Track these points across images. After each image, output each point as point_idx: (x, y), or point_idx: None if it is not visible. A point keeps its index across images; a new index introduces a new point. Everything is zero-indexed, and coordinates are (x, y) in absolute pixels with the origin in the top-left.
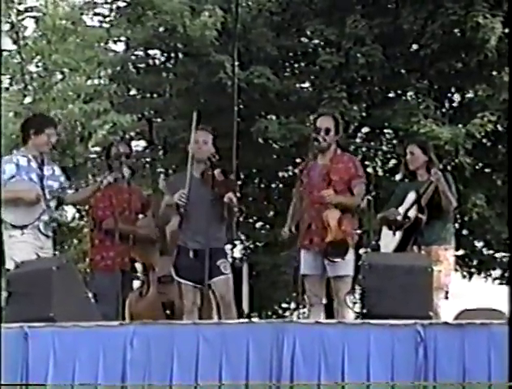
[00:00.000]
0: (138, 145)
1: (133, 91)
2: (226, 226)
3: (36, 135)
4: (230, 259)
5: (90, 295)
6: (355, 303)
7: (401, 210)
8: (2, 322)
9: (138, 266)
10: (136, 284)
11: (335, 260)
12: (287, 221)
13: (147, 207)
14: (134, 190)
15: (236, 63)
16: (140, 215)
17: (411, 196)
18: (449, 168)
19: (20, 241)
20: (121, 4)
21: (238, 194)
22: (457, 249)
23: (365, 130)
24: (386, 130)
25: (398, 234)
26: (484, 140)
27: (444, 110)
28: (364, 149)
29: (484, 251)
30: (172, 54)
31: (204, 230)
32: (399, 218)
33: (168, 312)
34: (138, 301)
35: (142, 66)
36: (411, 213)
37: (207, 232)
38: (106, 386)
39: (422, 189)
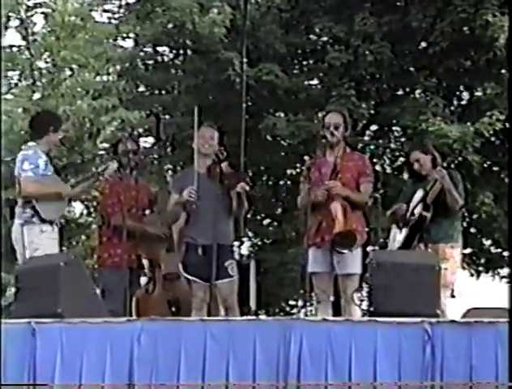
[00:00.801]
0: (147, 141)
1: (141, 88)
2: (235, 220)
3: (54, 133)
4: (237, 256)
5: (98, 291)
6: (362, 301)
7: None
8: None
9: (145, 262)
10: (143, 280)
11: (343, 251)
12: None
13: (154, 204)
14: (141, 187)
15: (245, 60)
16: (147, 211)
17: (419, 194)
18: (453, 166)
19: (50, 237)
20: (130, 1)
21: (250, 184)
22: (464, 247)
23: (374, 127)
24: (394, 128)
25: (404, 231)
26: (493, 139)
27: (452, 108)
28: (372, 147)
29: (492, 250)
30: (181, 51)
31: (212, 224)
32: (407, 214)
33: (173, 309)
34: (145, 298)
35: (151, 62)
36: (417, 210)
37: (215, 227)
38: (113, 382)
39: (428, 187)
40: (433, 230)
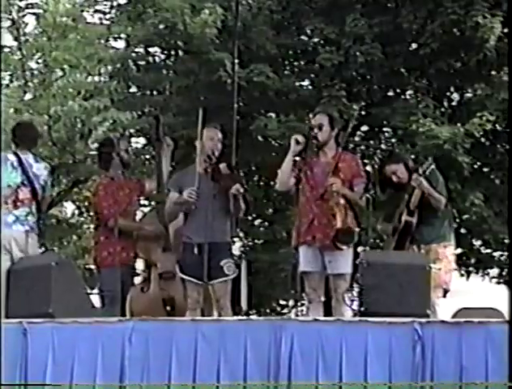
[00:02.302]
0: (138, 142)
1: (133, 89)
2: (231, 220)
3: (35, 146)
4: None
5: (90, 291)
6: (353, 301)
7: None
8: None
9: (141, 261)
10: (137, 279)
11: (343, 247)
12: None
13: (148, 191)
14: (133, 184)
15: (236, 61)
16: (146, 209)
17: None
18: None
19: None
20: (122, 1)
21: (245, 186)
22: (455, 247)
23: (364, 128)
24: (385, 129)
25: (394, 238)
26: (483, 139)
27: (443, 109)
28: (363, 147)
29: (482, 250)
30: (173, 52)
31: (209, 224)
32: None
33: (168, 308)
34: (140, 297)
35: (143, 63)
36: (403, 217)
37: (212, 226)
38: (104, 382)
39: (408, 193)
40: (425, 231)
